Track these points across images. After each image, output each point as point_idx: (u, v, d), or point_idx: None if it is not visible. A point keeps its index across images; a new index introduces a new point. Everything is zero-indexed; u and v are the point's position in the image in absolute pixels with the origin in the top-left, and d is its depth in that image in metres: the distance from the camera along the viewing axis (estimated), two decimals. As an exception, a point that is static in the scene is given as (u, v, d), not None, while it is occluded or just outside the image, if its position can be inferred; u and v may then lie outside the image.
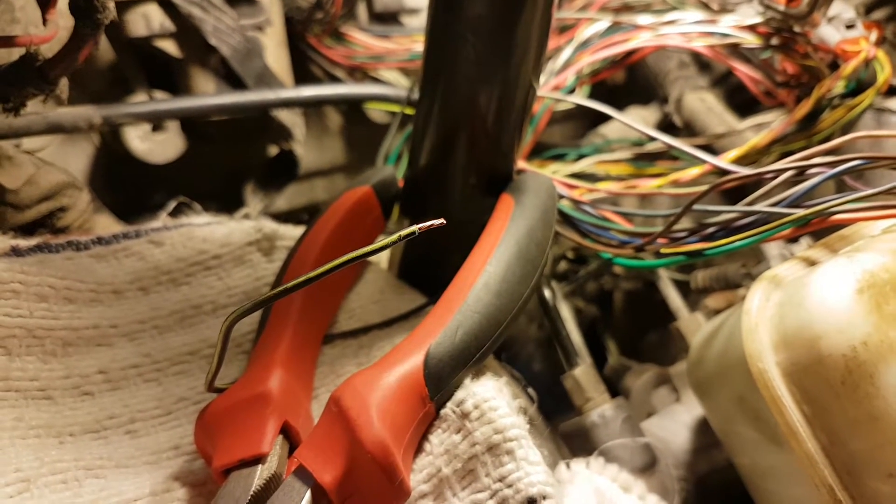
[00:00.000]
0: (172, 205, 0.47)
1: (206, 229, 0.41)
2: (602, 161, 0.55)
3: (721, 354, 0.38)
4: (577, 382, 0.46)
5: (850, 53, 0.49)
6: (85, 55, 0.36)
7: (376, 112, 0.62)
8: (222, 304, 0.39)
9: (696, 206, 0.38)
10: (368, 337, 0.39)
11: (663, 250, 0.39)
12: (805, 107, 0.49)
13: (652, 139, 0.46)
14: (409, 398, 0.28)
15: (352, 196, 0.40)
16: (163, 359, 0.36)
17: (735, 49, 0.53)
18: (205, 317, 0.39)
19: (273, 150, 0.58)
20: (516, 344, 0.59)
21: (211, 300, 0.39)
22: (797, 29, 0.50)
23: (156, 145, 0.51)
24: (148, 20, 0.50)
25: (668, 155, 0.54)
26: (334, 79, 0.60)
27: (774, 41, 0.51)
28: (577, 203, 0.44)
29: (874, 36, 0.50)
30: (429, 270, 0.44)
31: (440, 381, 0.29)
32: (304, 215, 0.62)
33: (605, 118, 0.59)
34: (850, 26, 0.51)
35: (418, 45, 0.60)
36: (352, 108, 0.63)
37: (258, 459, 0.28)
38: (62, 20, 0.35)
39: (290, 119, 0.55)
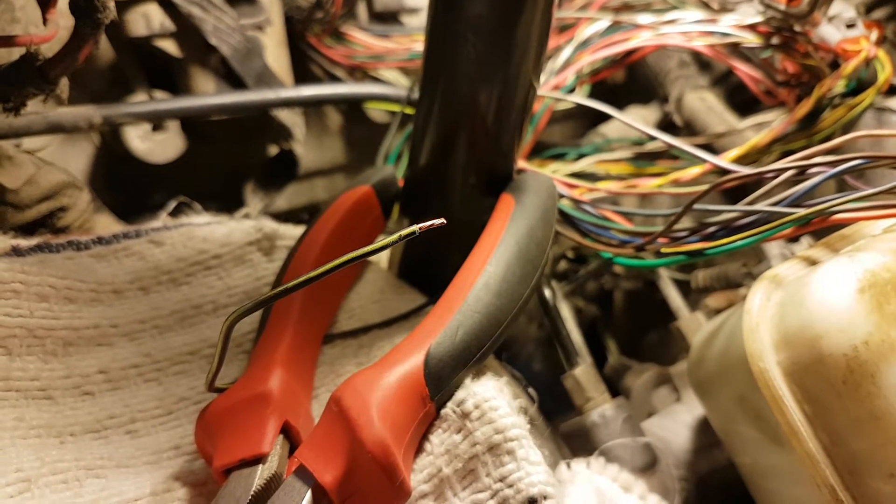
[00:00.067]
0: (172, 204, 0.47)
1: (206, 229, 0.41)
2: (602, 160, 0.55)
3: (722, 354, 0.38)
4: (577, 382, 0.46)
5: (850, 53, 0.49)
6: (85, 55, 0.36)
7: (376, 112, 0.62)
8: (223, 303, 0.39)
9: (696, 206, 0.38)
10: (368, 337, 0.39)
11: (664, 250, 0.39)
12: (805, 106, 0.49)
13: (652, 138, 0.46)
14: (410, 398, 0.28)
15: (352, 196, 0.40)
16: (163, 358, 0.36)
17: (735, 48, 0.53)
18: (205, 316, 0.39)
19: (273, 150, 0.58)
20: (516, 344, 0.59)
21: (211, 300, 0.39)
22: (798, 28, 0.50)
23: (156, 145, 0.51)
24: (148, 20, 0.50)
25: (669, 154, 0.54)
26: (334, 78, 0.60)
27: (775, 40, 0.51)
28: (577, 202, 0.44)
29: (875, 35, 0.50)
30: (429, 270, 0.43)
31: (441, 380, 0.29)
32: (304, 215, 0.62)
33: (606, 117, 0.59)
34: (850, 25, 0.50)
35: (418, 45, 0.60)
36: (352, 107, 0.63)
37: (259, 459, 0.28)
38: (62, 20, 0.35)
39: (290, 119, 0.55)
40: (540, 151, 0.59)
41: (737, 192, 0.44)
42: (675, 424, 0.48)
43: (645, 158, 0.55)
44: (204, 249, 0.40)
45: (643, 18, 0.55)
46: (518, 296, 0.33)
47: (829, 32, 0.50)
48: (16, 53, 0.36)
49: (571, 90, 0.55)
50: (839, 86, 0.49)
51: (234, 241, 0.41)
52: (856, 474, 0.28)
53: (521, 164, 0.48)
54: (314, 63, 0.60)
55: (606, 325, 0.64)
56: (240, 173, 0.58)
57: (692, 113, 0.62)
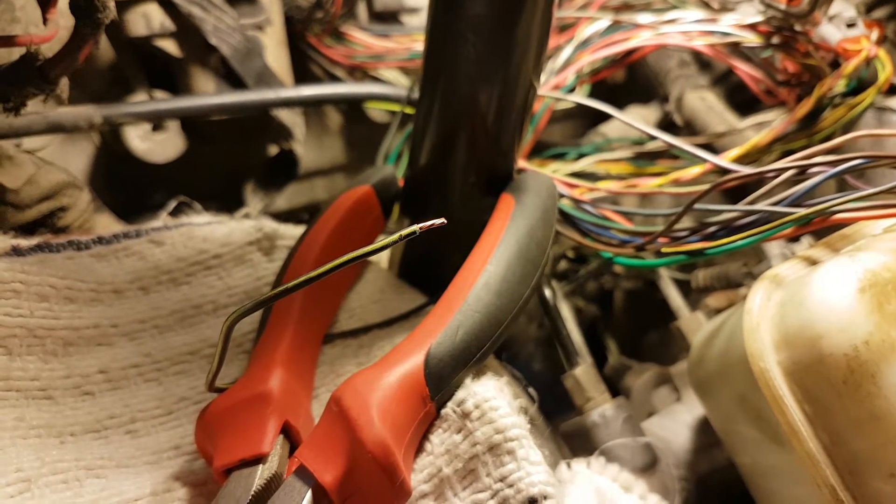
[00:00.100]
0: (173, 204, 0.47)
1: (206, 229, 0.41)
2: (602, 160, 0.55)
3: (722, 354, 0.38)
4: (577, 382, 0.46)
5: (850, 52, 0.49)
6: (85, 55, 0.36)
7: (376, 111, 0.62)
8: (223, 303, 0.39)
9: (696, 206, 0.38)
10: (369, 336, 0.39)
11: (664, 249, 0.39)
12: (806, 105, 0.49)
13: (652, 138, 0.46)
14: (410, 398, 0.28)
15: (352, 195, 0.40)
16: (163, 358, 0.36)
17: (736, 48, 0.53)
18: (205, 316, 0.39)
19: (273, 150, 0.58)
20: (517, 343, 0.59)
21: (211, 300, 0.39)
22: (798, 28, 0.50)
23: (156, 145, 0.51)
24: (148, 20, 0.50)
25: (669, 154, 0.54)
26: (334, 78, 0.60)
27: (775, 40, 0.51)
28: (577, 202, 0.44)
29: (875, 35, 0.50)
30: (429, 270, 0.43)
31: (441, 380, 0.29)
32: (304, 215, 0.62)
33: (606, 117, 0.59)
34: (850, 25, 0.50)
35: (418, 45, 0.60)
36: (352, 107, 0.63)
37: (259, 459, 0.28)
38: (62, 20, 0.35)
39: (290, 118, 0.55)
40: (540, 151, 0.59)
41: (737, 191, 0.44)
42: (675, 424, 0.48)
43: (645, 158, 0.55)
44: (204, 249, 0.40)
45: (643, 18, 0.54)
46: (518, 295, 0.33)
47: (830, 32, 0.50)
48: (16, 53, 0.36)
49: (571, 90, 0.55)
50: (839, 85, 0.49)
51: (234, 240, 0.41)
52: (856, 474, 0.28)
53: (521, 163, 0.48)
54: (314, 63, 0.60)
55: (606, 324, 0.64)
56: (240, 173, 0.58)
57: (692, 112, 0.62)
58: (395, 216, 0.44)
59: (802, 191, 0.35)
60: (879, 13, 0.62)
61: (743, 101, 0.63)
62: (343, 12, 0.58)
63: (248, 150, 0.58)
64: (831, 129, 0.48)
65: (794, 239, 0.48)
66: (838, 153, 0.36)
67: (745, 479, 0.39)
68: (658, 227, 0.40)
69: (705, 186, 0.38)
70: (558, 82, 0.54)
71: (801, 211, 0.34)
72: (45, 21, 0.35)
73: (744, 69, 0.54)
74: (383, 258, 0.46)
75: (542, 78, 0.47)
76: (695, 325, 0.52)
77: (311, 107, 0.60)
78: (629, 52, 0.54)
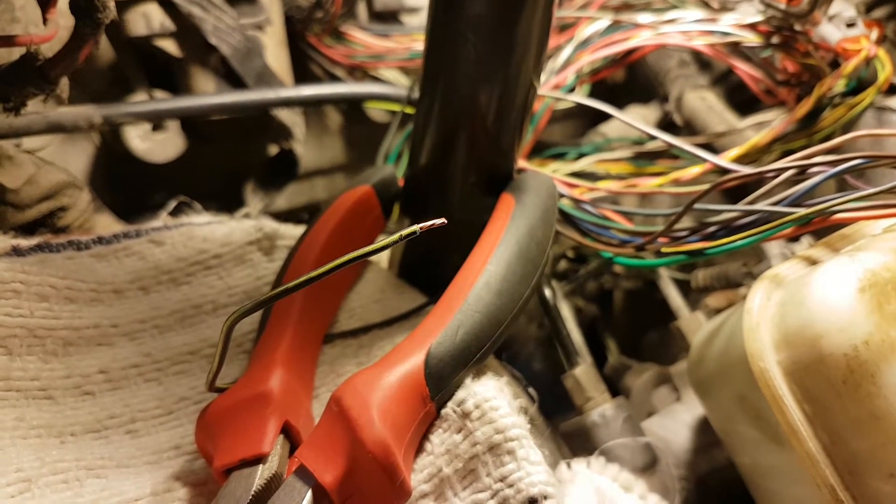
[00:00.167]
0: (173, 204, 0.47)
1: (206, 229, 0.41)
2: (602, 160, 0.55)
3: (722, 353, 0.38)
4: (577, 382, 0.46)
5: (850, 52, 0.49)
6: (85, 55, 0.36)
7: (376, 111, 0.62)
8: (223, 303, 0.39)
9: (696, 205, 0.38)
10: (369, 336, 0.39)
11: (664, 249, 0.39)
12: (806, 105, 0.49)
13: (652, 138, 0.46)
14: (410, 398, 0.28)
15: (352, 195, 0.40)
16: (163, 358, 0.36)
17: (735, 47, 0.53)
18: (205, 316, 0.39)
19: (273, 150, 0.58)
20: (517, 343, 0.59)
21: (211, 300, 0.39)
22: (798, 27, 0.50)
23: (156, 145, 0.51)
24: (148, 19, 0.50)
25: (669, 154, 0.54)
26: (334, 78, 0.60)
27: (775, 40, 0.51)
28: (577, 202, 0.44)
29: (875, 34, 0.50)
30: (429, 270, 0.43)
31: (441, 380, 0.29)
32: (304, 214, 0.62)
33: (606, 117, 0.59)
34: (850, 25, 0.50)
35: (418, 44, 0.60)
36: (352, 107, 0.63)
37: (259, 459, 0.28)
38: (62, 20, 0.35)
39: (290, 118, 0.55)
40: (540, 151, 0.59)
41: (737, 191, 0.44)
42: (675, 424, 0.48)
43: (645, 158, 0.55)
44: (204, 249, 0.40)
45: (643, 18, 0.54)
46: (518, 295, 0.33)
47: (830, 31, 0.50)
48: (16, 53, 0.36)
49: (571, 89, 0.55)
50: (839, 85, 0.49)
51: (234, 240, 0.41)
52: (856, 474, 0.28)
53: (521, 163, 0.48)
54: (314, 63, 0.60)
55: (606, 324, 0.64)
56: (240, 173, 0.58)
57: (692, 112, 0.62)
58: (395, 216, 0.44)
59: (802, 191, 0.35)
60: (879, 13, 0.62)
61: (743, 100, 0.63)
62: (343, 12, 0.58)
63: (248, 149, 0.58)
64: (831, 128, 0.48)
65: (793, 239, 0.48)
66: (838, 153, 0.36)
67: (745, 478, 0.39)
68: (658, 226, 0.40)
69: (705, 186, 0.38)
70: (558, 82, 0.54)
71: (801, 211, 0.34)
72: (45, 21, 0.35)
73: (743, 69, 0.54)
74: (383, 258, 0.46)
75: (542, 78, 0.48)
76: (694, 324, 0.52)
77: (311, 107, 0.60)
78: (629, 52, 0.54)
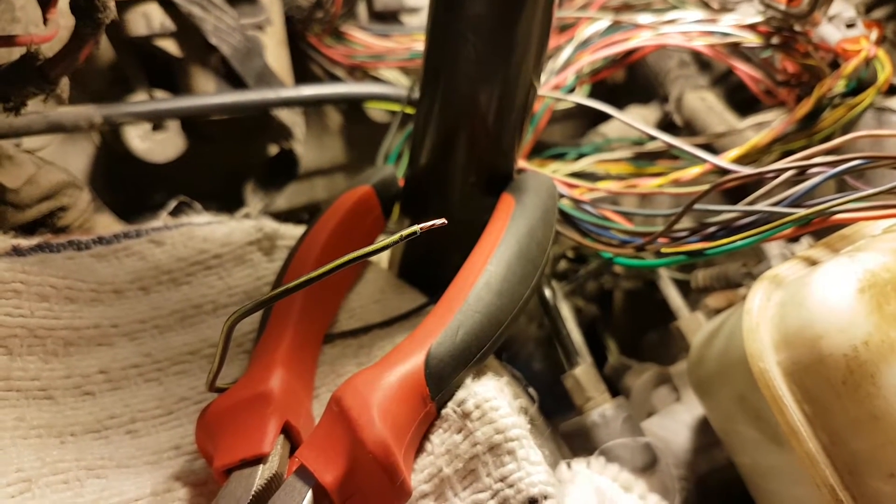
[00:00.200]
0: (173, 204, 0.47)
1: (206, 229, 0.41)
2: (602, 160, 0.55)
3: (722, 354, 0.38)
4: (577, 382, 0.46)
5: (850, 52, 0.49)
6: (85, 54, 0.36)
7: (376, 111, 0.62)
8: (223, 303, 0.39)
9: (696, 206, 0.38)
10: (369, 336, 0.39)
11: (664, 250, 0.39)
12: (806, 106, 0.49)
13: (652, 138, 0.46)
14: (411, 398, 0.28)
15: (352, 195, 0.40)
16: (164, 358, 0.36)
17: (735, 48, 0.53)
18: (205, 316, 0.39)
19: (273, 150, 0.58)
20: (517, 343, 0.60)
21: (212, 300, 0.39)
22: (798, 28, 0.50)
23: (156, 144, 0.51)
24: (148, 19, 0.50)
25: (669, 154, 0.54)
26: (334, 78, 0.60)
27: (775, 40, 0.51)
28: (577, 202, 0.44)
29: (874, 35, 0.50)
30: (429, 270, 0.44)
31: (441, 380, 0.29)
32: (304, 214, 0.62)
33: (606, 117, 0.59)
34: (850, 25, 0.50)
35: (418, 44, 0.60)
36: (352, 107, 0.63)
37: (259, 459, 0.28)
38: (63, 19, 0.35)
39: (290, 118, 0.55)
40: (540, 151, 0.59)
41: (737, 192, 0.44)
42: (674, 424, 0.48)
43: (645, 158, 0.55)
44: (204, 249, 0.40)
45: (643, 18, 0.55)
46: (519, 296, 0.33)
47: (829, 32, 0.50)
48: (16, 53, 0.36)
49: (571, 90, 0.55)
50: (839, 85, 0.49)
51: (234, 240, 0.41)
52: (855, 474, 0.28)
53: (521, 163, 0.48)
54: (314, 63, 0.60)
55: (606, 324, 0.64)
56: (240, 173, 0.58)
57: (692, 113, 0.62)
58: (396, 216, 0.44)
59: (802, 191, 0.36)
60: (879, 13, 0.62)
61: (743, 101, 0.63)
62: (343, 12, 0.58)
63: (248, 149, 0.58)
64: (831, 129, 0.48)
65: (793, 239, 0.48)
66: (838, 153, 0.36)
67: (745, 479, 0.39)
68: (658, 227, 0.40)
69: (705, 187, 0.38)
70: (558, 82, 0.54)
71: (801, 211, 0.34)
72: (45, 21, 0.35)
73: (743, 69, 0.54)
74: (383, 258, 0.46)
75: (543, 78, 0.48)
76: (694, 325, 0.52)
77: (311, 107, 0.60)
78: (629, 53, 0.54)
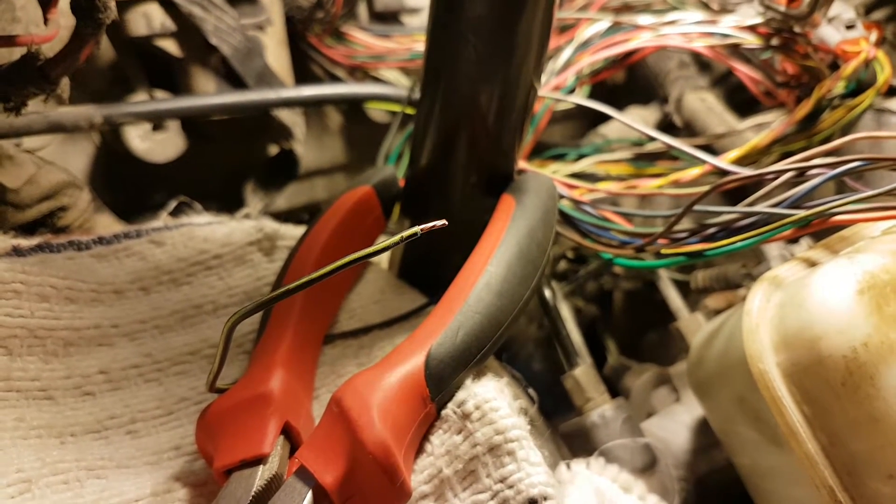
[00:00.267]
0: (173, 204, 0.47)
1: (206, 229, 0.41)
2: (602, 161, 0.55)
3: (721, 355, 0.38)
4: (577, 382, 0.46)
5: (850, 54, 0.49)
6: (86, 55, 0.36)
7: (377, 111, 0.62)
8: (223, 303, 0.39)
9: (696, 207, 0.38)
10: (369, 337, 0.39)
11: (664, 251, 0.39)
12: (805, 107, 0.49)
13: (652, 139, 0.46)
14: (411, 399, 0.28)
15: (352, 196, 0.40)
16: (164, 359, 0.36)
17: (735, 49, 0.53)
18: (206, 317, 0.39)
19: (273, 150, 0.58)
20: (516, 344, 0.60)
21: (212, 300, 0.39)
22: (797, 29, 0.50)
23: (156, 144, 0.51)
24: (149, 19, 0.50)
25: (669, 155, 0.54)
26: (335, 78, 0.60)
27: (775, 41, 0.51)
28: (577, 203, 0.44)
29: (874, 36, 0.50)
30: (429, 270, 0.44)
31: (441, 381, 0.29)
32: (304, 215, 0.62)
33: (605, 118, 0.59)
34: (850, 27, 0.51)
35: (419, 45, 0.60)
36: (352, 107, 0.63)
37: (259, 460, 0.28)
38: (63, 20, 0.35)
39: (291, 118, 0.55)
40: (540, 152, 0.59)
41: (737, 193, 0.44)
42: (674, 425, 0.48)
43: (645, 159, 0.55)
44: (205, 249, 0.40)
45: (643, 19, 0.55)
46: (519, 296, 0.33)
47: (829, 33, 0.50)
48: (17, 53, 0.36)
49: (571, 91, 0.55)
50: (839, 87, 0.49)
51: (234, 241, 0.41)
52: (855, 475, 0.28)
53: (521, 164, 0.48)
54: (315, 63, 0.60)
55: (606, 325, 0.64)
56: (240, 173, 0.58)
57: (692, 114, 0.62)
58: (396, 216, 0.44)
59: (801, 192, 0.36)
60: (878, 15, 0.62)
61: (742, 102, 0.63)
62: (343, 12, 0.58)
63: (249, 149, 0.59)
64: (830, 130, 0.48)
65: (793, 240, 0.48)
66: (837, 155, 0.36)
67: (744, 479, 0.39)
68: (657, 228, 0.40)
69: (705, 188, 0.38)
70: (558, 83, 0.54)
71: (801, 213, 0.34)
72: (45, 21, 0.35)
73: (743, 71, 0.54)
74: (384, 258, 0.46)
75: (543, 79, 0.48)
76: (694, 325, 0.52)
77: (312, 107, 0.60)
78: (629, 54, 0.54)
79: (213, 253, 0.40)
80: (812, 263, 0.35)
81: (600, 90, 0.62)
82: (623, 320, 0.65)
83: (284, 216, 0.50)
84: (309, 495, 0.26)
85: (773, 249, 0.50)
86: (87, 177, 0.52)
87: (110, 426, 0.33)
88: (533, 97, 0.38)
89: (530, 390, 0.38)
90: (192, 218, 0.43)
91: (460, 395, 0.30)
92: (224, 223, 0.42)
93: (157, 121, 0.50)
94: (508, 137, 0.39)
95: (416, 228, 0.26)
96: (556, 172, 0.53)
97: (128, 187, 0.54)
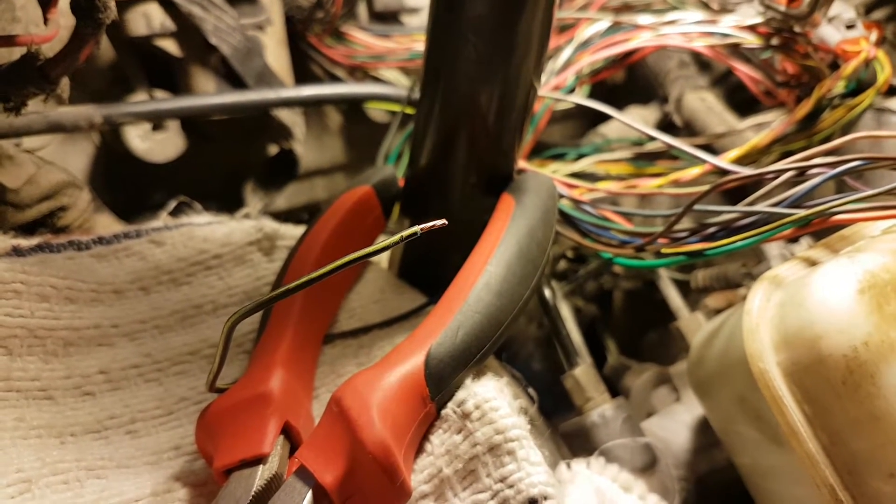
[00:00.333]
0: (173, 204, 0.47)
1: (206, 229, 0.41)
2: (602, 161, 0.55)
3: (722, 354, 0.38)
4: (577, 382, 0.46)
5: (850, 53, 0.49)
6: (86, 55, 0.36)
7: (376, 111, 0.62)
8: (223, 303, 0.39)
9: (696, 206, 0.38)
10: (369, 337, 0.39)
11: (664, 250, 0.39)
12: (805, 107, 0.49)
13: (652, 139, 0.46)
14: (410, 398, 0.28)
15: (352, 196, 0.40)
16: (164, 359, 0.36)
17: (735, 49, 0.53)
18: (205, 316, 0.39)
19: (273, 150, 0.58)
20: (516, 343, 0.60)
21: (212, 300, 0.39)
22: (797, 29, 0.50)
23: (156, 144, 0.51)
24: (148, 19, 0.50)
25: (669, 155, 0.54)
26: (334, 78, 0.60)
27: (775, 41, 0.51)
28: (577, 203, 0.44)
29: (874, 36, 0.50)
30: (429, 270, 0.44)
31: (441, 381, 0.29)
32: (304, 214, 0.62)
33: (605, 118, 0.59)
34: (850, 26, 0.51)
35: (419, 45, 0.60)
36: (352, 107, 0.63)
37: (259, 460, 0.28)
38: (63, 19, 0.35)
39: (291, 118, 0.55)
40: (540, 151, 0.59)
41: (737, 192, 0.44)
42: (674, 424, 0.48)
43: (645, 159, 0.55)
44: (204, 249, 0.40)
45: (643, 19, 0.55)
46: (519, 296, 0.33)
47: (829, 33, 0.50)
48: (17, 53, 0.36)
49: (571, 90, 0.55)
50: (839, 86, 0.49)
51: (234, 241, 0.41)
52: (855, 474, 0.28)
53: (521, 164, 0.48)
54: (314, 63, 0.60)
55: (606, 324, 0.64)
56: (240, 173, 0.58)
57: (692, 113, 0.62)
58: (396, 216, 0.44)
59: (802, 192, 0.36)
60: (878, 14, 0.62)
61: (742, 101, 0.63)
62: (343, 12, 0.58)
63: (248, 149, 0.59)
64: (830, 130, 0.48)
65: (793, 240, 0.48)
66: (837, 154, 0.36)
67: (745, 479, 0.39)
68: (657, 227, 0.40)
69: (705, 187, 0.38)
70: (558, 83, 0.54)
71: (801, 212, 0.34)
72: (45, 21, 0.35)
73: (743, 70, 0.54)
74: (383, 258, 0.46)
75: (543, 78, 0.48)
76: (694, 325, 0.52)
77: (312, 107, 0.60)
78: (629, 53, 0.54)
79: (213, 253, 0.40)
80: (812, 263, 0.35)
81: (600, 90, 0.62)
82: (623, 320, 0.65)
83: (284, 216, 0.50)
84: (309, 495, 0.26)
85: (773, 249, 0.50)
86: (87, 177, 0.52)
87: (110, 426, 0.33)
88: (533, 97, 0.38)
89: (530, 390, 0.38)
90: (192, 218, 0.43)
91: (460, 395, 0.30)
92: (224, 223, 0.42)
93: (156, 121, 0.50)
94: (508, 137, 0.39)
95: (416, 228, 0.26)
96: (555, 172, 0.53)
97: (128, 187, 0.54)
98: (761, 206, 0.36)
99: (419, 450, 0.30)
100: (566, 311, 0.57)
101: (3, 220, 0.39)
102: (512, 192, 0.38)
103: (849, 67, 0.48)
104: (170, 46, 0.51)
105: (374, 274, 0.43)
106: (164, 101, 0.49)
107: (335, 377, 0.37)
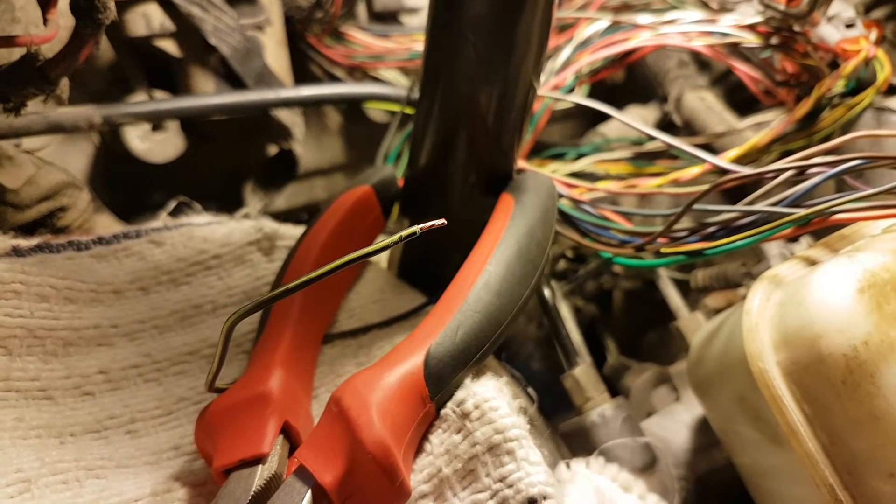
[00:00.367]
0: (172, 204, 0.47)
1: (206, 229, 0.41)
2: (602, 160, 0.55)
3: (721, 354, 0.38)
4: (576, 382, 0.46)
5: (849, 52, 0.49)
6: (85, 55, 0.36)
7: (376, 111, 0.62)
8: (222, 303, 0.39)
9: (696, 206, 0.38)
10: (368, 337, 0.39)
11: (663, 250, 0.39)
12: (805, 106, 0.49)
13: (651, 138, 0.46)
14: (410, 398, 0.28)
15: (352, 196, 0.40)
16: (163, 359, 0.36)
17: (735, 48, 0.53)
18: (205, 316, 0.39)
19: (272, 150, 0.58)
20: (516, 343, 0.60)
21: (211, 300, 0.39)
22: (797, 28, 0.50)
23: (156, 145, 0.51)
24: (148, 20, 0.50)
25: (668, 154, 0.54)
26: (334, 78, 0.60)
27: (774, 40, 0.51)
28: (576, 202, 0.44)
29: (874, 35, 0.50)
30: (429, 270, 0.44)
31: (440, 380, 0.29)
32: (303, 214, 0.62)
33: (605, 117, 0.59)
34: (849, 25, 0.51)
35: (418, 45, 0.60)
36: (351, 107, 0.63)
37: (259, 459, 0.28)
38: (63, 20, 0.35)
39: (290, 118, 0.55)
40: (539, 151, 0.59)
41: (736, 192, 0.44)
42: (674, 424, 0.48)
43: (644, 158, 0.55)
44: (204, 249, 0.40)
45: (642, 18, 0.55)
46: (518, 296, 0.33)
47: (829, 32, 0.50)
48: (16, 54, 0.36)
49: (571, 90, 0.55)
50: (838, 86, 0.49)
51: (234, 241, 0.41)
52: (855, 474, 0.28)
53: (520, 163, 0.48)
54: (314, 63, 0.60)
55: (606, 324, 0.64)
56: (240, 173, 0.58)
57: (691, 112, 0.62)
58: (395, 216, 0.44)
59: (801, 191, 0.36)
60: (878, 13, 0.62)
61: (742, 101, 0.63)
62: (343, 12, 0.58)
63: (248, 150, 0.59)
64: (830, 129, 0.48)
65: (793, 239, 0.48)
66: (837, 153, 0.36)
67: (744, 479, 0.39)
68: (657, 227, 0.40)
69: (704, 187, 0.38)
70: (558, 82, 0.54)
71: (801, 211, 0.34)
72: (45, 21, 0.35)
73: (743, 69, 0.54)
74: (383, 258, 0.46)
75: (542, 78, 0.48)
76: (694, 325, 0.52)
77: (311, 107, 0.60)
78: (628, 53, 0.54)
79: (213, 253, 0.40)
80: (812, 262, 0.35)
81: (599, 89, 0.62)
82: (623, 319, 0.65)
83: (284, 216, 0.50)
84: (308, 495, 0.26)
85: (772, 248, 0.50)
86: (87, 177, 0.52)
87: (110, 426, 0.33)
88: (532, 96, 0.38)
89: (530, 389, 0.38)
90: (192, 218, 0.43)
91: (459, 395, 0.30)
92: (223, 223, 0.42)
93: (156, 121, 0.50)
94: (508, 137, 0.39)
95: (416, 228, 0.26)
96: (555, 172, 0.53)
97: (127, 187, 0.54)
98: (761, 206, 0.36)
99: (418, 449, 0.30)
100: (566, 311, 0.57)
101: (2, 220, 0.39)
102: (511, 191, 0.38)
103: (848, 66, 0.48)
104: (169, 47, 0.51)
105: (374, 274, 0.43)
106: (163, 101, 0.49)
107: (334, 377, 0.37)
